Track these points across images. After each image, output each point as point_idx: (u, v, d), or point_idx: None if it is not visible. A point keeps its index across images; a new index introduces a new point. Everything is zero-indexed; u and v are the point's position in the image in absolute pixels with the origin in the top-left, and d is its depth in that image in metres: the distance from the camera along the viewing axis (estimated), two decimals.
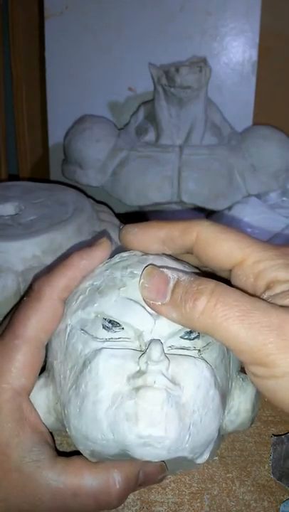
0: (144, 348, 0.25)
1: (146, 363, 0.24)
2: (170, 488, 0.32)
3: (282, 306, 0.24)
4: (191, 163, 0.60)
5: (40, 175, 0.76)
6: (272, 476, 0.33)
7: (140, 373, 0.24)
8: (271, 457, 0.33)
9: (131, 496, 0.32)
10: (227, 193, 0.60)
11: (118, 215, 0.52)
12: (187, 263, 0.30)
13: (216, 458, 0.34)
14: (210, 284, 0.24)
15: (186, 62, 0.64)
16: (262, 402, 0.36)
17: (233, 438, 0.35)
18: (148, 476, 0.28)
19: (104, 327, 0.26)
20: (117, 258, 0.29)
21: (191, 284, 0.24)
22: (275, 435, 0.35)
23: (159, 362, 0.24)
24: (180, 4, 0.66)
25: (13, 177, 0.78)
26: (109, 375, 0.25)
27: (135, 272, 0.27)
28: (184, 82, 0.59)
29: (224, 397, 0.27)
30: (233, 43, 0.68)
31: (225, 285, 0.24)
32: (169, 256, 0.29)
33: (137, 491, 0.32)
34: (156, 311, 0.26)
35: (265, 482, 0.33)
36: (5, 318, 0.33)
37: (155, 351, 0.24)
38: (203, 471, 0.33)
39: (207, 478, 0.33)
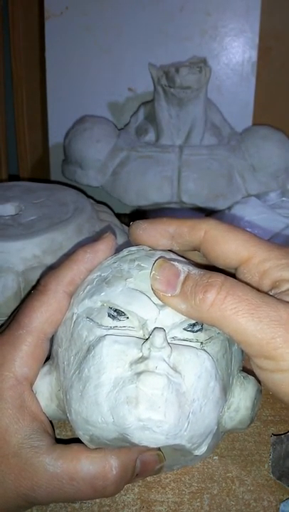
0: (147, 336, 0.26)
1: (149, 349, 0.25)
2: (170, 487, 0.32)
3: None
4: (191, 164, 0.60)
5: (41, 175, 0.76)
6: (271, 476, 0.33)
7: (142, 359, 0.25)
8: (271, 457, 0.33)
9: (131, 496, 0.32)
10: (227, 193, 0.60)
11: (118, 215, 0.52)
12: (193, 261, 0.30)
13: (216, 457, 0.34)
14: (220, 278, 0.25)
15: (186, 63, 0.64)
16: (262, 401, 0.36)
17: (233, 437, 0.36)
18: (145, 465, 0.28)
19: (109, 315, 0.27)
20: (125, 252, 0.30)
21: (202, 277, 0.25)
22: (274, 435, 0.35)
23: (162, 348, 0.24)
24: (180, 5, 0.66)
25: (14, 177, 0.78)
26: (112, 359, 0.25)
27: (142, 264, 0.28)
28: (183, 83, 0.59)
29: (225, 390, 0.27)
30: (233, 43, 0.68)
31: (234, 279, 0.25)
32: (175, 253, 0.30)
33: (137, 491, 0.32)
34: (165, 303, 0.26)
35: (265, 482, 0.33)
36: (12, 313, 0.33)
37: (158, 338, 0.24)
38: (203, 471, 0.33)
39: (207, 477, 0.33)
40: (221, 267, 0.29)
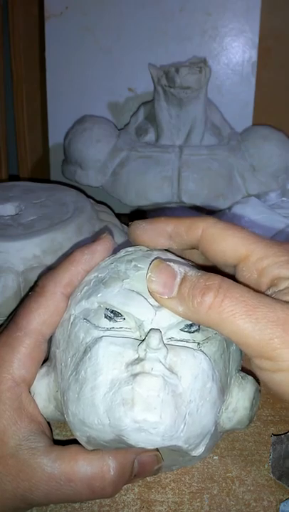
0: (144, 337, 0.26)
1: (145, 350, 0.25)
2: (170, 487, 0.32)
3: (286, 302, 0.24)
4: (191, 164, 0.60)
5: (40, 175, 0.76)
6: (271, 476, 0.33)
7: (138, 360, 0.25)
8: (271, 457, 0.33)
9: (131, 496, 0.32)
10: (227, 193, 0.60)
11: (118, 215, 0.52)
12: (190, 261, 0.30)
13: (216, 457, 0.34)
14: (217, 280, 0.25)
15: (186, 63, 0.64)
16: (262, 401, 0.36)
17: (233, 438, 0.36)
18: (143, 466, 0.28)
19: (106, 316, 0.27)
20: (122, 252, 0.30)
21: (199, 279, 0.25)
22: (274, 435, 0.35)
23: (158, 350, 0.24)
24: (180, 5, 0.66)
25: (13, 177, 0.78)
26: (108, 361, 0.25)
27: (139, 265, 0.28)
28: (183, 83, 0.59)
29: (222, 391, 0.27)
30: (233, 43, 0.68)
31: (231, 280, 0.25)
32: (173, 253, 0.30)
33: (137, 491, 0.32)
34: (162, 305, 0.26)
35: (265, 482, 0.33)
36: (10, 314, 0.33)
37: (154, 339, 0.24)
38: (203, 471, 0.33)
39: (207, 477, 0.33)
40: (219, 265, 0.29)
